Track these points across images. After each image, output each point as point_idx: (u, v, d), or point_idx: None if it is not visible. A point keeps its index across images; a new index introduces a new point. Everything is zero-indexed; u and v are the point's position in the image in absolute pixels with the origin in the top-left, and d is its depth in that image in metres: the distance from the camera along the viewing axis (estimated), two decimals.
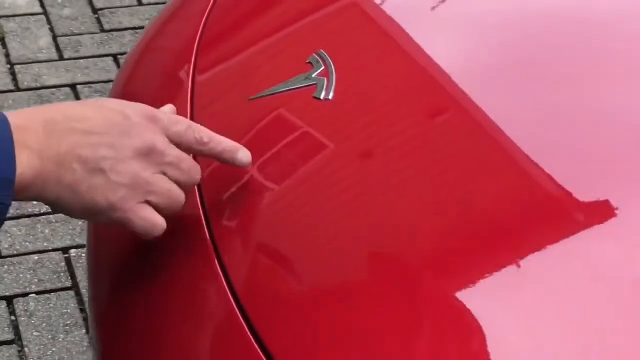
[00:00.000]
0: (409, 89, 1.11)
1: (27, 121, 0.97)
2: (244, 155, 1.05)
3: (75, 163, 0.97)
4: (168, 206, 1.01)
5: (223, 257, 1.02)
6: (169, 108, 1.09)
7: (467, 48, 1.13)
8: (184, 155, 1.03)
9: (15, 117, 0.96)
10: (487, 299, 0.88)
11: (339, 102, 1.09)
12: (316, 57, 1.15)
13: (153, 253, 1.10)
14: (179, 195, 1.02)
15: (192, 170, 1.03)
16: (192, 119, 1.17)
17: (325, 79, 1.11)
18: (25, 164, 0.94)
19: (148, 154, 0.99)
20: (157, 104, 1.08)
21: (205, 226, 1.05)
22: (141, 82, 1.35)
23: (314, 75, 1.13)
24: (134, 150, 0.99)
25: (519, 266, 0.90)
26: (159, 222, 1.01)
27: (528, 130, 1.01)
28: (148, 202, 1.00)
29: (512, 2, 1.20)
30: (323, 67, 1.13)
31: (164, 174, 1.01)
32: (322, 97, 1.10)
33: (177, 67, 1.31)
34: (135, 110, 1.01)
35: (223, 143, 1.05)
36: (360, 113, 1.09)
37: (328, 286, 0.96)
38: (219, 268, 1.01)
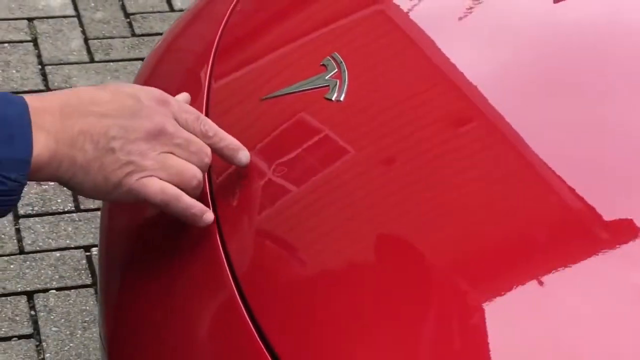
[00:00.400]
0: (421, 94, 1.12)
1: (45, 104, 0.99)
2: (243, 155, 1.07)
3: (88, 144, 1.00)
4: (178, 183, 1.03)
5: (230, 252, 1.02)
6: (183, 96, 1.13)
7: (486, 55, 1.13)
8: (193, 137, 1.05)
9: (34, 100, 0.99)
10: (495, 309, 0.88)
11: (350, 104, 1.10)
12: (330, 59, 1.16)
13: (162, 248, 1.10)
14: (188, 171, 1.03)
15: (201, 152, 1.05)
16: (207, 113, 1.18)
17: (338, 81, 1.12)
18: (42, 145, 0.97)
19: (157, 135, 1.02)
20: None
21: (215, 223, 1.06)
22: (160, 81, 1.36)
23: (327, 77, 1.14)
24: (143, 132, 1.01)
25: (540, 283, 0.89)
26: (169, 188, 1.02)
27: (550, 141, 1.00)
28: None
29: (539, 10, 1.20)
30: (336, 70, 1.14)
31: (173, 154, 1.03)
32: (333, 98, 1.11)
33: (196, 67, 1.32)
34: (148, 93, 1.04)
35: (226, 140, 1.07)
36: (370, 115, 1.10)
37: (332, 281, 0.96)
38: (225, 262, 1.02)
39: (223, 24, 1.34)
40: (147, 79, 1.38)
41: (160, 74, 1.39)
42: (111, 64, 2.91)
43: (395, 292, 0.91)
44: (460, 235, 0.94)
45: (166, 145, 1.02)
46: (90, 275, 2.30)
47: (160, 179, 1.02)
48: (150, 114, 1.02)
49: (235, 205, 1.07)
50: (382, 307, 0.91)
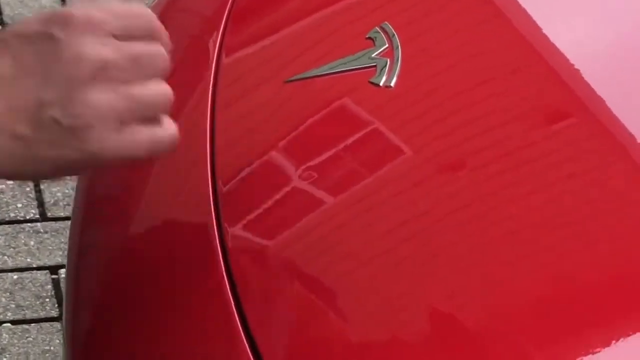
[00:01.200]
0: (497, 80, 1.12)
1: None
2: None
3: (18, 124, 0.97)
4: (154, 113, 1.00)
5: (238, 284, 1.03)
6: None
7: (588, 30, 1.14)
8: (135, 47, 1.00)
9: None
10: None
11: (403, 91, 1.10)
12: (379, 31, 1.16)
13: (152, 273, 1.12)
14: (158, 96, 1.00)
15: (154, 58, 1.01)
16: (214, 97, 1.19)
17: (388, 60, 1.13)
18: None
19: (98, 73, 0.98)
20: (175, 77, 1.09)
21: (217, 238, 1.07)
22: None
23: (374, 55, 1.14)
24: (79, 78, 0.97)
25: None
26: (148, 139, 0.99)
27: None
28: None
29: None
30: (387, 45, 1.15)
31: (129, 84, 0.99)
32: (381, 83, 1.11)
33: (202, 35, 1.34)
34: (55, 23, 0.98)
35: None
36: (429, 106, 1.10)
37: (373, 340, 0.97)
38: (232, 301, 1.03)
39: None
40: None
41: None
42: None
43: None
44: (549, 277, 0.95)
45: (118, 81, 0.98)
46: (56, 305, 2.32)
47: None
48: (76, 51, 0.97)
49: (247, 222, 1.08)
50: None
